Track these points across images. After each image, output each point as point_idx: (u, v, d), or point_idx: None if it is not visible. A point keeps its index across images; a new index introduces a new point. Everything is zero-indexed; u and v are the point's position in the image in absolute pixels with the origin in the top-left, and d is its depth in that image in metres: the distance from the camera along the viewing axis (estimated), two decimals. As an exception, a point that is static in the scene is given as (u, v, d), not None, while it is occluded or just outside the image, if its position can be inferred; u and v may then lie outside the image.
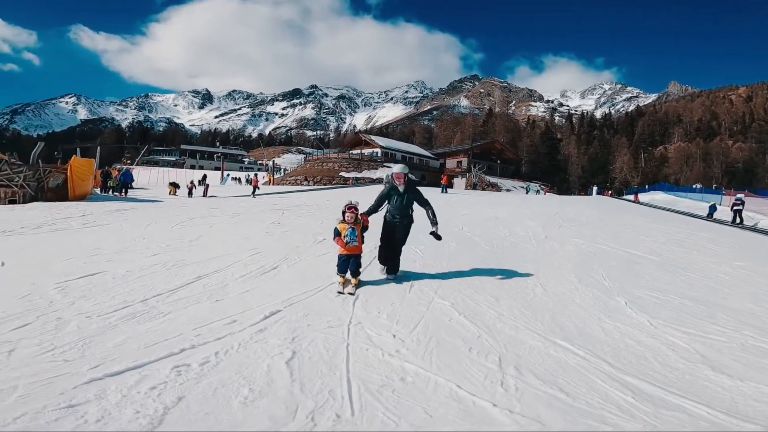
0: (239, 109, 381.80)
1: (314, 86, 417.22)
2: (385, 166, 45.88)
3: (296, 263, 5.72)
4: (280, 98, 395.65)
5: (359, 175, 42.42)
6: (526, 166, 79.95)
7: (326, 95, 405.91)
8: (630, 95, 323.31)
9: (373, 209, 4.85)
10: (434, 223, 4.82)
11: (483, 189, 43.50)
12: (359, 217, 4.55)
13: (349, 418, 2.20)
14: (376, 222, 4.96)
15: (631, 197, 34.51)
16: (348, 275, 4.51)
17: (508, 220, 12.86)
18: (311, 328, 3.38)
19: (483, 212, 15.13)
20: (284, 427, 2.10)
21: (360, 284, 4.59)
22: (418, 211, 5.03)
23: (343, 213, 4.50)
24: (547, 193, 44.02)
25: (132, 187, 19.30)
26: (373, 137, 61.06)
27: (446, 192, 24.79)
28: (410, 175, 4.97)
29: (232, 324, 3.34)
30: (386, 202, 4.93)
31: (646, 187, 50.83)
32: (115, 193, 16.19)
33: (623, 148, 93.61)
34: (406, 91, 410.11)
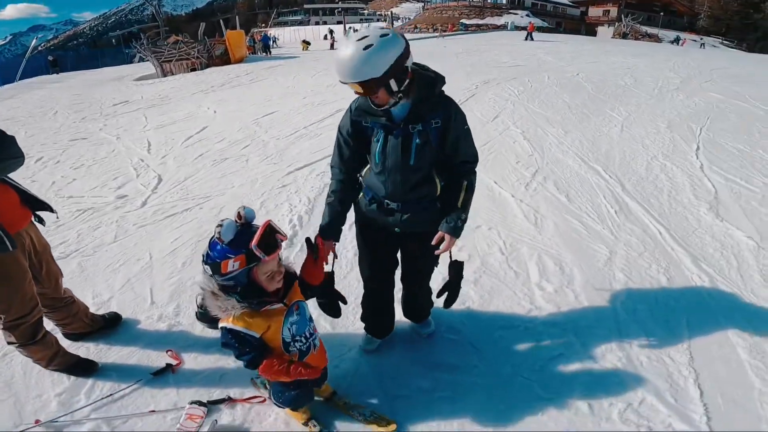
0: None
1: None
2: (511, 12, 40.10)
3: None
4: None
5: (481, 22, 38.36)
6: (707, 21, 63.11)
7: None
8: None
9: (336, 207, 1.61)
10: (460, 221, 1.56)
11: (636, 39, 35.62)
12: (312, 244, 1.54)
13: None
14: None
15: None
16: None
17: (643, 70, 11.59)
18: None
19: (616, 61, 13.56)
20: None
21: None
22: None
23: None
24: (685, 43, 33.62)
25: (277, 46, 22.72)
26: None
27: (531, 39, 21.79)
28: (426, 72, 1.48)
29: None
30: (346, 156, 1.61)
31: None
32: (261, 53, 19.08)
33: None
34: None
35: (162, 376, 1.90)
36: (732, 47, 42.51)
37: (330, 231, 1.58)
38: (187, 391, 1.82)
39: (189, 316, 2.29)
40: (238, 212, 1.21)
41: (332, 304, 1.71)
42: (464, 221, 1.56)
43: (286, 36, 43.07)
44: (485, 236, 3.06)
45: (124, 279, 2.65)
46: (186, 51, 15.93)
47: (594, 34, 41.99)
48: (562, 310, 2.31)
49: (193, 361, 2.00)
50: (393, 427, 1.64)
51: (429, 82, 1.44)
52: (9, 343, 1.78)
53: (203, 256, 1.25)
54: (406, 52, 1.33)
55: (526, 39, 22.06)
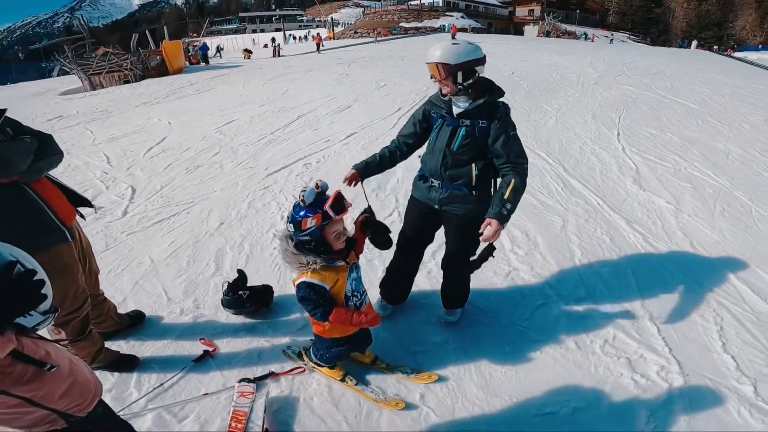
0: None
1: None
2: (447, 15, 42.27)
3: (364, 103, 7.88)
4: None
5: (420, 25, 39.90)
6: (615, 17, 71.11)
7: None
8: None
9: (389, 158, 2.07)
10: (505, 210, 1.70)
11: (558, 37, 39.24)
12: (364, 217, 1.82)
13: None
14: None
15: (741, 54, 30.47)
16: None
17: (567, 67, 12.91)
18: (378, 141, 5.39)
19: (543, 59, 14.93)
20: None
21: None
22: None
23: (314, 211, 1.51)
24: (594, 39, 38.18)
25: (220, 56, 22.43)
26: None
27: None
28: (490, 80, 1.87)
29: (327, 141, 5.54)
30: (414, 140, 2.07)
31: (759, 47, 45.19)
32: (202, 63, 18.40)
33: (749, 8, 71.43)
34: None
35: (203, 362, 2.04)
36: (638, 41, 48.14)
37: (362, 167, 2.02)
38: (231, 372, 1.99)
39: (210, 307, 2.43)
40: (316, 183, 1.49)
41: (382, 235, 1.85)
42: (509, 211, 1.69)
43: (222, 45, 41.82)
44: (460, 218, 3.47)
45: (131, 282, 2.70)
46: (117, 63, 15.03)
47: (521, 32, 45.32)
48: (534, 269, 2.77)
49: (227, 345, 2.16)
50: (435, 377, 1.94)
51: (484, 91, 1.81)
52: (56, 341, 1.81)
53: (287, 217, 1.55)
54: (481, 61, 1.75)
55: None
